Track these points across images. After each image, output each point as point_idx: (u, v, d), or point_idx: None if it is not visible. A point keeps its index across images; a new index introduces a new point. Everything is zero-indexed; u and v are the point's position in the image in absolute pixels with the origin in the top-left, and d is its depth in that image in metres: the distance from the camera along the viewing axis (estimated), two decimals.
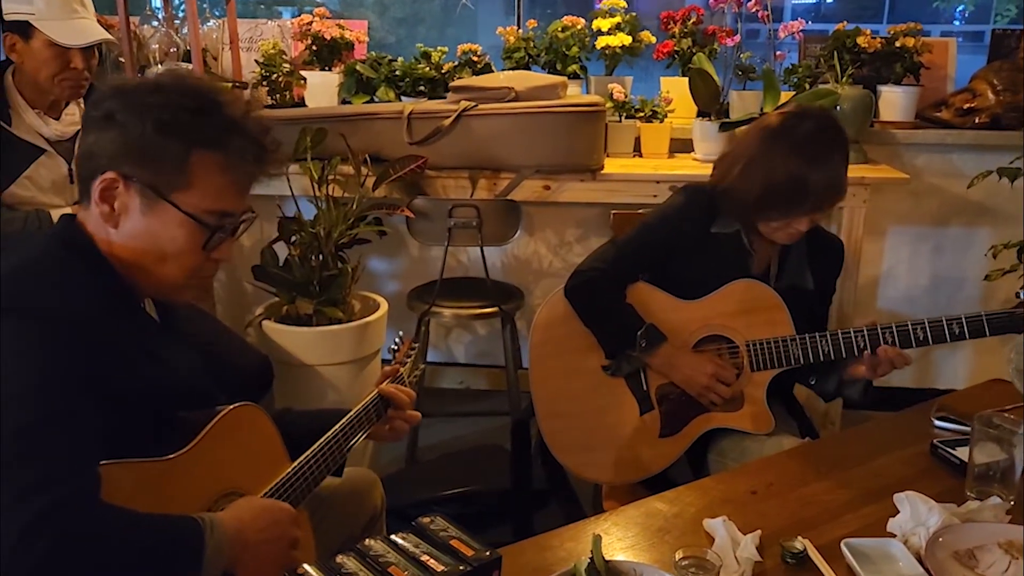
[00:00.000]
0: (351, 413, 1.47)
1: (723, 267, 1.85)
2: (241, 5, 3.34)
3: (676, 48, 3.12)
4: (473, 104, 2.72)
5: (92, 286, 1.19)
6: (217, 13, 3.21)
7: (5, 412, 1.00)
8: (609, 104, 2.95)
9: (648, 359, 1.83)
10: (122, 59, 2.88)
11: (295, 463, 1.34)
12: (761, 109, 2.92)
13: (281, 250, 2.69)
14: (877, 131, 3.06)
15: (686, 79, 2.96)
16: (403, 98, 3.06)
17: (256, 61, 3.09)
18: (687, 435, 1.85)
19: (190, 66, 2.87)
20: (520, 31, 3.21)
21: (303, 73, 3.08)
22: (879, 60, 3.04)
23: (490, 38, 3.27)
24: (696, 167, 2.92)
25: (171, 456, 1.16)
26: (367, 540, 1.15)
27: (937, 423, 1.67)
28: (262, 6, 3.92)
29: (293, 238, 2.64)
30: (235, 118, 1.22)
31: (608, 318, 1.85)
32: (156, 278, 1.24)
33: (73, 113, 2.35)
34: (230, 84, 2.87)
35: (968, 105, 3.06)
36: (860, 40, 3.01)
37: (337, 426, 1.42)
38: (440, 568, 1.09)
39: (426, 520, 1.19)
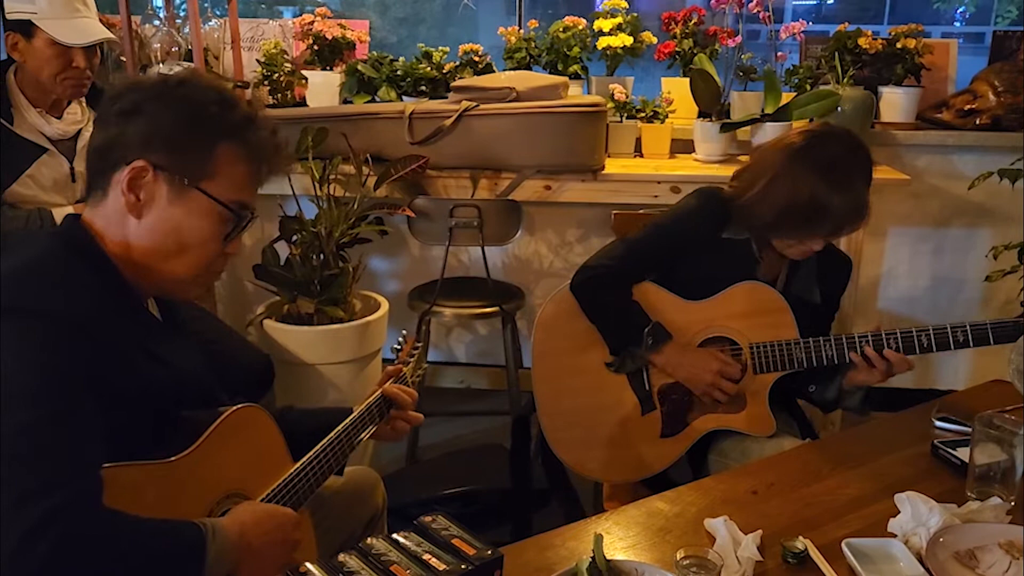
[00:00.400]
0: (354, 414, 1.47)
1: (730, 271, 1.85)
2: (242, 4, 3.35)
3: (677, 49, 3.13)
4: (474, 104, 2.73)
5: (95, 286, 1.18)
6: (218, 12, 3.22)
7: (6, 413, 1.00)
8: (610, 104, 2.95)
9: (653, 357, 1.83)
10: (123, 58, 2.88)
11: (298, 464, 1.34)
12: (762, 110, 2.93)
13: (282, 249, 2.69)
14: (878, 132, 3.06)
15: (687, 80, 2.96)
16: (404, 98, 3.06)
17: (257, 60, 3.10)
18: (688, 436, 1.86)
19: (192, 66, 2.88)
20: (521, 31, 3.22)
21: (304, 73, 3.08)
22: (880, 61, 3.05)
23: (491, 38, 3.27)
24: (697, 168, 2.93)
25: (174, 458, 1.16)
26: (369, 539, 1.15)
27: (938, 424, 1.68)
28: (263, 6, 3.92)
29: (294, 237, 2.64)
30: (252, 114, 1.26)
31: (614, 315, 1.85)
32: (165, 274, 1.24)
33: (75, 112, 2.36)
34: (232, 84, 2.88)
35: (969, 106, 3.06)
36: (861, 41, 3.02)
37: (340, 427, 1.42)
38: (442, 567, 1.09)
39: (428, 519, 1.19)
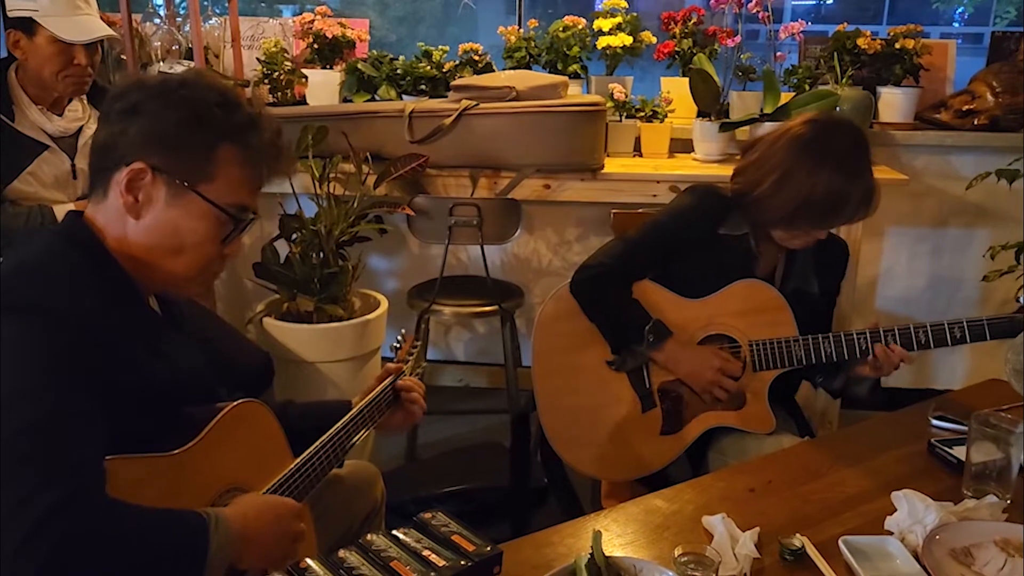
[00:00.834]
0: (360, 404, 1.48)
1: (728, 268, 1.85)
2: (243, 3, 3.35)
3: (677, 48, 3.13)
4: (474, 103, 2.73)
5: (96, 282, 1.19)
6: (219, 11, 3.22)
7: (9, 409, 1.01)
8: (610, 104, 2.96)
9: (654, 354, 1.83)
10: (124, 56, 2.89)
11: (300, 457, 1.34)
12: (761, 110, 2.93)
13: (282, 247, 2.70)
14: (876, 132, 3.06)
15: (686, 79, 2.97)
16: (404, 97, 3.07)
17: (258, 59, 3.10)
18: (688, 433, 1.86)
19: (192, 64, 2.88)
20: (521, 31, 3.22)
21: (304, 71, 3.09)
22: (879, 61, 3.06)
23: (491, 37, 3.28)
24: (696, 167, 2.93)
25: (175, 451, 1.17)
26: (368, 535, 1.15)
27: (935, 422, 1.69)
28: (263, 4, 3.93)
29: (294, 235, 2.65)
30: (254, 116, 1.25)
31: (614, 313, 1.86)
32: (165, 272, 1.24)
33: (76, 109, 2.36)
34: (232, 82, 2.88)
35: (967, 107, 3.07)
36: (860, 41, 3.03)
37: (341, 422, 1.43)
38: (441, 563, 1.09)
39: (427, 515, 1.20)
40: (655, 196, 2.75)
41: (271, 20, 3.35)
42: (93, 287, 1.18)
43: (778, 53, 3.03)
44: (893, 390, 2.22)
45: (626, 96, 3.01)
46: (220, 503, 1.21)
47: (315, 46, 3.09)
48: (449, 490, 2.48)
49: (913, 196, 3.18)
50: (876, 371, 1.78)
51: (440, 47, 3.13)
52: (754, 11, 2.96)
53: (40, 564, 0.93)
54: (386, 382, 1.57)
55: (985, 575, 1.19)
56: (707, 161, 2.97)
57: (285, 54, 3.10)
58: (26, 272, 1.17)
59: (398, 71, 3.09)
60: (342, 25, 3.11)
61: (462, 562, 1.10)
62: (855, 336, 1.78)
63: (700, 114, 3.03)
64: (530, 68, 3.16)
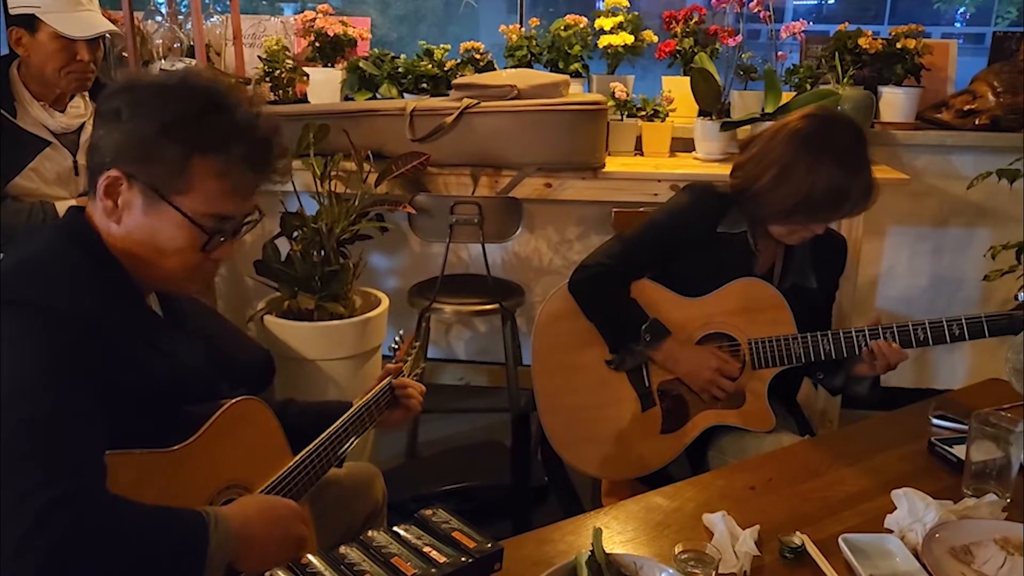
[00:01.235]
0: (358, 404, 1.48)
1: (727, 266, 1.85)
2: (244, 1, 3.35)
3: (678, 47, 3.14)
4: (475, 102, 2.73)
5: (97, 280, 1.19)
6: (220, 9, 3.22)
7: (9, 408, 1.01)
8: (611, 103, 2.96)
9: (652, 353, 1.83)
10: (126, 54, 2.89)
11: (298, 456, 1.34)
12: (762, 109, 2.94)
13: (283, 245, 2.70)
14: (877, 132, 3.06)
15: (688, 78, 2.97)
16: (405, 95, 3.07)
17: (259, 57, 3.10)
18: (688, 432, 1.86)
19: (194, 62, 2.88)
20: (522, 29, 3.22)
21: (306, 69, 3.09)
22: (880, 61, 3.06)
23: (492, 36, 3.28)
24: (697, 166, 2.94)
25: (174, 448, 1.17)
26: (370, 532, 1.15)
27: (935, 421, 1.69)
28: (265, 2, 3.93)
29: (295, 233, 2.65)
30: (241, 122, 1.21)
31: (612, 313, 1.86)
32: (158, 271, 1.24)
33: (78, 106, 2.36)
34: (233, 80, 2.88)
35: (968, 107, 3.07)
36: (861, 41, 3.03)
37: (340, 420, 1.43)
38: (442, 559, 1.09)
39: (428, 512, 1.20)
40: (656, 195, 2.75)
41: (273, 18, 3.35)
42: (93, 286, 1.18)
43: (779, 52, 3.03)
44: (893, 389, 2.23)
45: (627, 95, 3.01)
46: (219, 499, 1.21)
47: (316, 44, 3.09)
48: (450, 488, 2.48)
49: (914, 196, 3.18)
50: (873, 368, 1.78)
51: (441, 45, 3.14)
52: (755, 10, 2.96)
53: (40, 562, 0.93)
54: (384, 382, 1.57)
55: (985, 573, 1.20)
56: (708, 160, 2.97)
57: (287, 52, 3.10)
58: (27, 270, 1.17)
59: (399, 69, 3.09)
60: (344, 23, 3.11)
61: (463, 559, 1.10)
62: (854, 334, 1.78)
63: (701, 113, 3.03)
64: (531, 67, 3.16)
